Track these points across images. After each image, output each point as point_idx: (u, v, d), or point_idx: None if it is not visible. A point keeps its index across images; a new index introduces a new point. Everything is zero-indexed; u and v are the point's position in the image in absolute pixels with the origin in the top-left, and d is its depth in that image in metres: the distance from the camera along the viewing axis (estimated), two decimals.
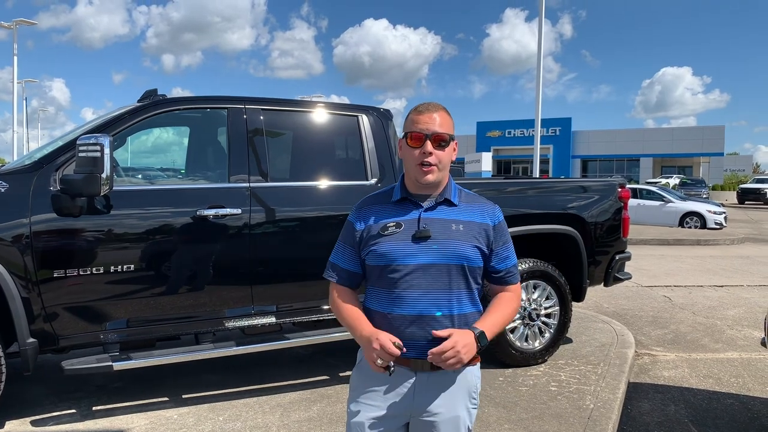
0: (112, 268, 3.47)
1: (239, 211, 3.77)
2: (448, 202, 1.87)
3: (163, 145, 5.72)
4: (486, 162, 15.52)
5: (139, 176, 4.76)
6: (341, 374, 4.47)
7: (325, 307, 4.08)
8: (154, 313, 3.66)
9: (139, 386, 4.17)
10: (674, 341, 5.92)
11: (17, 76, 29.09)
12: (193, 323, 3.77)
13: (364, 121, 4.34)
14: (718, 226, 17.18)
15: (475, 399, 1.89)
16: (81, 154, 3.23)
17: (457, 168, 16.43)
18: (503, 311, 1.88)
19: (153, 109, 3.74)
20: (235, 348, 3.77)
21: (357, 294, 1.96)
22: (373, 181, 4.25)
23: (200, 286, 3.76)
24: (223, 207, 3.74)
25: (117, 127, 3.63)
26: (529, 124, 49.82)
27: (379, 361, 1.72)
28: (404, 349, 1.72)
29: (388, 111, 4.50)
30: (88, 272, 3.42)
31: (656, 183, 35.46)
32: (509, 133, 52.04)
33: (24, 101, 41.84)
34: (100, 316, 3.53)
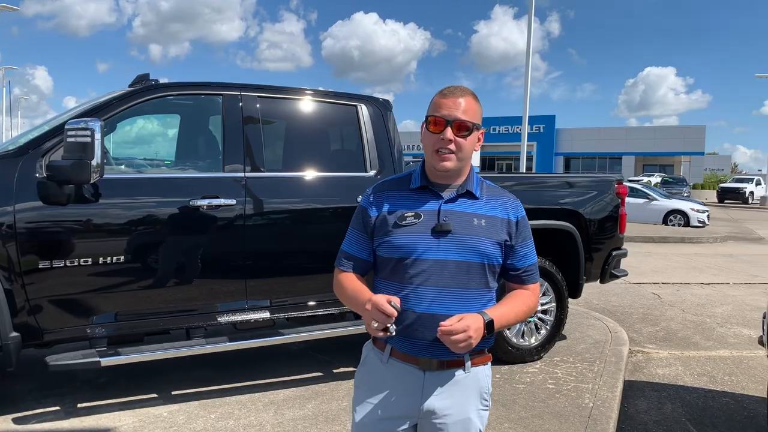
0: (101, 259, 3.33)
1: (234, 201, 3.64)
2: (470, 195, 1.75)
3: (152, 133, 5.53)
4: (475, 158, 15.45)
5: (129, 164, 4.61)
6: (335, 371, 4.37)
7: (321, 301, 3.98)
8: (144, 306, 3.52)
9: (127, 382, 4.03)
10: (666, 339, 5.91)
11: None
12: (184, 317, 3.64)
13: (364, 111, 4.22)
14: (701, 224, 17.35)
15: (486, 401, 1.78)
16: (70, 139, 3.07)
17: None
18: (517, 307, 1.75)
19: (145, 94, 3.59)
20: (227, 344, 3.65)
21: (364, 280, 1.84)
22: (372, 172, 4.13)
23: (192, 279, 3.62)
24: (218, 197, 3.61)
25: (108, 111, 3.47)
26: (514, 121, 49.93)
27: (374, 324, 1.57)
28: (399, 307, 1.57)
29: (387, 101, 4.39)
30: (76, 263, 3.27)
31: (638, 181, 35.83)
32: (494, 129, 52.08)
33: (4, 89, 40.76)
34: (87, 310, 3.38)
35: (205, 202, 3.56)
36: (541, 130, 51.17)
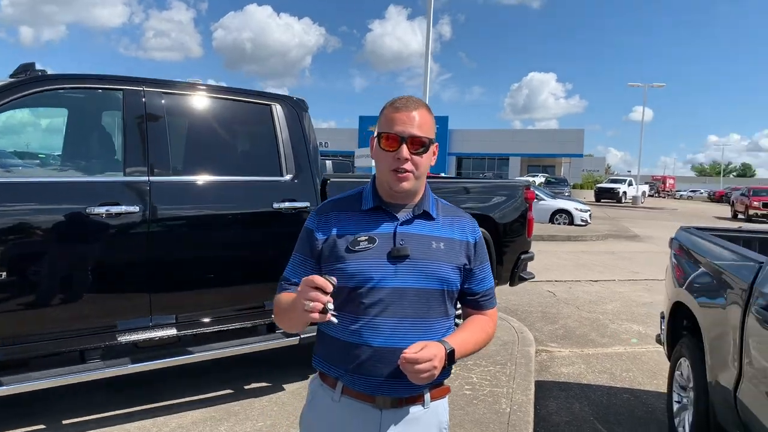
0: None
1: (137, 209, 3.30)
2: (427, 215, 1.63)
3: (22, 122, 4.91)
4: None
5: (9, 165, 4.07)
6: (246, 387, 4.11)
7: (232, 315, 3.72)
8: (31, 327, 3.10)
9: (6, 412, 3.54)
10: (566, 336, 6.19)
11: None
12: (78, 338, 3.24)
13: (278, 111, 4.00)
14: (583, 223, 18.55)
15: None
16: None
17: (346, 162, 16.24)
18: (476, 334, 1.65)
19: (31, 86, 3.15)
20: (130, 366, 3.30)
21: None
22: (288, 177, 3.93)
23: (89, 295, 3.24)
24: (118, 204, 3.25)
25: None
26: None
27: (309, 305, 1.36)
28: (334, 280, 1.39)
29: (303, 101, 4.19)
30: None
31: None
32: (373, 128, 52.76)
33: None
34: None
35: (103, 210, 3.20)
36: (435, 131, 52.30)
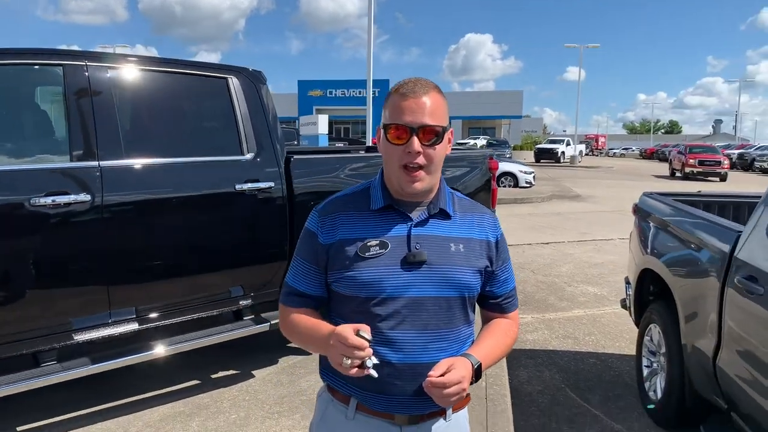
0: None
1: (88, 197, 3.01)
2: (443, 214, 1.47)
3: None
4: (322, 124, 15.15)
5: None
6: (213, 377, 3.94)
7: (196, 304, 3.52)
8: None
9: None
10: (526, 302, 6.26)
11: None
12: (30, 341, 2.98)
13: (235, 84, 3.73)
14: (528, 185, 18.90)
15: None
16: None
17: (291, 130, 15.82)
18: (501, 342, 1.50)
19: None
20: (90, 367, 3.07)
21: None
22: (249, 156, 3.69)
23: (39, 294, 2.97)
24: (67, 193, 2.96)
25: None
26: (351, 84, 50.33)
27: (346, 362, 1.27)
28: (369, 337, 1.28)
29: (260, 72, 3.93)
30: None
31: (465, 144, 38.17)
32: (330, 93, 51.91)
33: None
34: None
35: (49, 200, 2.90)
36: (377, 95, 51.64)
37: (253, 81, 3.84)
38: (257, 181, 3.65)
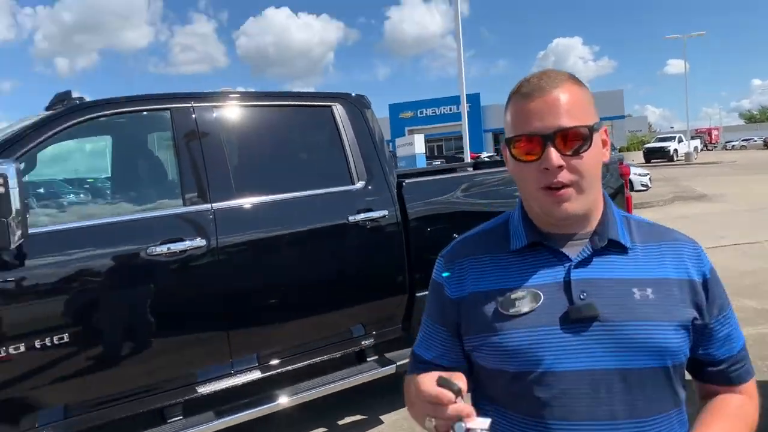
0: (38, 341, 2.51)
1: (203, 242, 2.88)
2: (617, 246, 1.07)
3: (69, 150, 4.58)
4: (419, 144, 14.93)
5: (50, 192, 3.77)
6: (340, 423, 3.69)
7: (319, 346, 3.31)
8: (102, 391, 2.73)
9: None
10: None
11: None
12: (155, 396, 2.87)
13: (340, 111, 3.53)
14: (644, 188, 17.59)
15: None
16: None
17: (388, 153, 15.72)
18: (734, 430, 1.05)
19: (70, 117, 2.75)
20: (216, 422, 2.90)
21: None
22: (360, 184, 3.46)
23: (161, 346, 2.86)
24: (182, 240, 2.84)
25: (23, 145, 2.62)
26: (441, 102, 50.36)
27: (429, 423, 0.92)
28: (460, 387, 0.90)
29: (363, 97, 3.71)
30: (4, 353, 2.44)
31: None
32: (421, 112, 52.19)
33: None
34: (29, 408, 2.57)
35: (164, 249, 2.80)
36: (468, 109, 51.41)
37: (358, 106, 3.62)
38: (370, 210, 3.40)
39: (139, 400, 2.83)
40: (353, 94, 3.70)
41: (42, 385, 2.57)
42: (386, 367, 3.44)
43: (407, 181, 3.61)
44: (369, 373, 3.42)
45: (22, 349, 2.47)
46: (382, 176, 3.52)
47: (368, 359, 3.54)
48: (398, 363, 3.45)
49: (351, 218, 3.33)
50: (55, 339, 2.55)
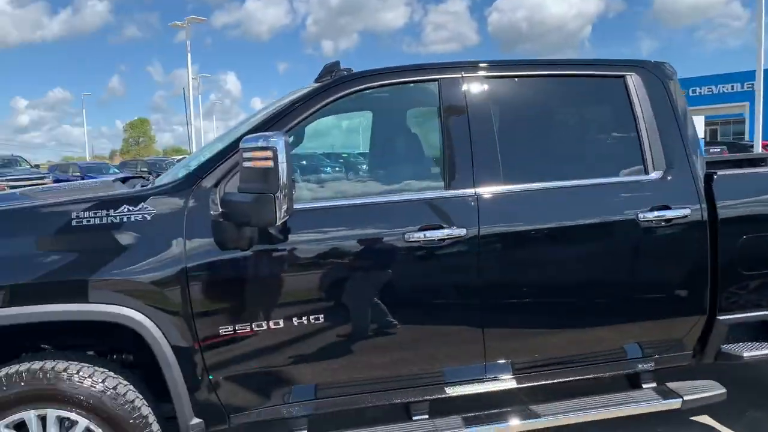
0: (296, 319, 2.46)
1: (464, 232, 2.56)
2: None
3: (328, 126, 4.59)
4: (698, 128, 12.95)
5: (310, 167, 3.83)
6: None
7: (587, 362, 2.79)
8: (351, 376, 2.62)
9: None
10: None
11: (196, 72, 31.26)
12: (401, 391, 2.67)
13: (635, 82, 2.89)
14: None
15: None
16: (246, 164, 2.21)
17: None
18: None
19: (337, 90, 2.63)
20: (466, 430, 2.60)
21: None
22: (655, 175, 2.80)
23: (410, 335, 2.64)
24: (441, 227, 2.56)
25: (291, 119, 2.58)
26: (717, 80, 43.68)
27: None
28: None
29: (668, 65, 3.00)
30: (264, 327, 2.44)
31: None
32: (694, 92, 45.84)
33: (199, 96, 45.00)
34: (282, 383, 2.56)
35: (421, 235, 2.53)
36: (753, 88, 43.64)
37: (659, 76, 2.93)
38: (667, 208, 2.72)
39: (386, 391, 2.66)
40: (653, 62, 3.01)
41: (298, 362, 2.53)
42: (669, 400, 2.78)
43: (720, 173, 2.83)
44: (645, 404, 2.80)
45: (281, 324, 2.44)
46: (686, 166, 2.81)
47: (644, 386, 2.91)
48: (685, 398, 2.77)
49: (641, 216, 2.70)
50: (311, 317, 2.48)
